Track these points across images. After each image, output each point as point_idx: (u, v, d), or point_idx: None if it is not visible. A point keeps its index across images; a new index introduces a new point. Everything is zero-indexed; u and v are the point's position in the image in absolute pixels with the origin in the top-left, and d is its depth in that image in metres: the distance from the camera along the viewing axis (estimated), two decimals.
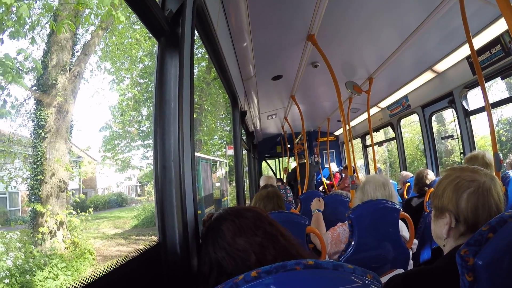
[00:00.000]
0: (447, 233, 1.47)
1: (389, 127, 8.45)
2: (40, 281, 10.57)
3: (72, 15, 11.52)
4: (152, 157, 1.58)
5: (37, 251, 11.22)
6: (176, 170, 1.47)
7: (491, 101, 3.77)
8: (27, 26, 10.37)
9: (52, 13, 11.50)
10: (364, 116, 8.56)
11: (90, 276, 1.05)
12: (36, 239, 11.49)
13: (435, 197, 1.54)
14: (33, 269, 10.56)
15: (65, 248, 12.11)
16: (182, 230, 1.45)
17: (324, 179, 11.18)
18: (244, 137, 7.42)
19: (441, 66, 5.26)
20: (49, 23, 11.07)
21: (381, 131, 10.41)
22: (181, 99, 1.53)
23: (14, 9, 9.71)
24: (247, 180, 10.01)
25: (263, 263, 1.13)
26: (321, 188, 10.89)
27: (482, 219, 1.37)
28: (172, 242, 1.43)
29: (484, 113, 4.37)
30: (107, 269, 1.13)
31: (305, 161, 8.33)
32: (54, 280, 10.92)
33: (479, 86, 3.60)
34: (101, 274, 1.09)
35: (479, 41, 4.25)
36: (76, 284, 1.00)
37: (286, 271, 0.77)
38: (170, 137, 1.49)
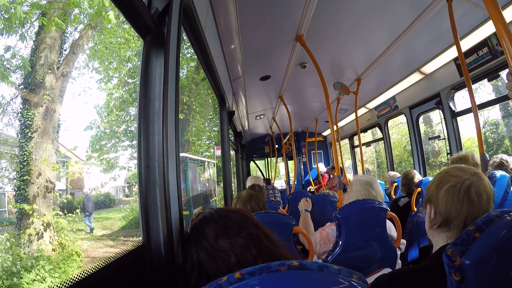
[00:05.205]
0: (429, 223, 1.52)
1: (377, 128, 8.51)
2: (27, 283, 10.42)
3: (61, 13, 11.38)
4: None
5: (24, 253, 11.05)
6: (160, 170, 1.46)
7: (477, 103, 3.80)
8: (15, 23, 10.21)
9: (41, 11, 11.34)
10: (352, 116, 8.61)
11: (74, 277, 1.04)
12: (23, 240, 11.32)
13: (427, 189, 1.60)
14: (20, 272, 10.42)
15: (52, 249, 11.94)
16: (166, 230, 1.43)
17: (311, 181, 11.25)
18: (232, 137, 7.41)
19: (429, 68, 5.31)
20: (37, 20, 10.93)
21: (369, 131, 10.48)
22: (165, 99, 1.52)
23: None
24: (235, 181, 9.99)
25: (244, 264, 1.13)
26: (309, 188, 10.95)
27: (452, 215, 1.42)
28: (157, 243, 1.43)
29: (471, 115, 4.42)
30: (91, 270, 1.12)
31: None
32: (41, 282, 10.79)
33: (466, 88, 3.65)
34: (85, 275, 1.08)
35: (466, 43, 4.29)
36: (61, 285, 0.98)
37: (270, 272, 0.76)
38: (154, 136, 1.48)
